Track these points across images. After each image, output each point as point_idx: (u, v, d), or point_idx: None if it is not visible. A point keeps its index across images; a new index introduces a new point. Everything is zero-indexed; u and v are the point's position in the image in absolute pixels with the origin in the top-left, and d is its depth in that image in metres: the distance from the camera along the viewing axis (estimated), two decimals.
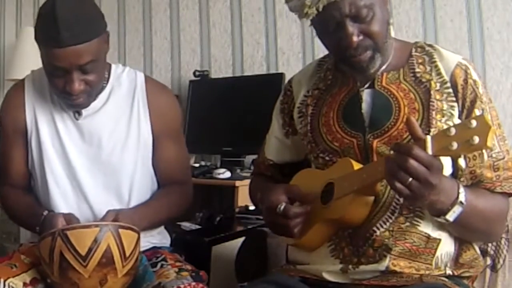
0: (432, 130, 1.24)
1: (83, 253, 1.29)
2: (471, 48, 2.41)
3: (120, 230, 1.34)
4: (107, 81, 1.60)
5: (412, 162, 1.06)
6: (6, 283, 1.36)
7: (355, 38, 1.23)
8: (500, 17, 2.36)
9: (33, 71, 1.65)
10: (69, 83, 1.43)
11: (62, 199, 1.56)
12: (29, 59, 3.34)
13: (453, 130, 1.04)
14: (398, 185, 1.09)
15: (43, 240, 1.34)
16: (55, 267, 1.31)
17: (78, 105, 1.52)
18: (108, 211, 1.46)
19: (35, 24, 1.44)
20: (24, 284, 1.40)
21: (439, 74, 1.30)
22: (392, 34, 1.39)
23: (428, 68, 1.32)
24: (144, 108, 1.61)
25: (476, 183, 1.26)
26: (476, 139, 1.00)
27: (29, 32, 3.50)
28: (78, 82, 1.43)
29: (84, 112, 1.56)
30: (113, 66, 1.63)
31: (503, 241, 1.41)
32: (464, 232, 1.27)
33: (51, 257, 1.31)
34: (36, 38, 1.45)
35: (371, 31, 1.25)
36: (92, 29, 1.42)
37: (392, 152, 1.13)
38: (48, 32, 1.38)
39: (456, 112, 1.28)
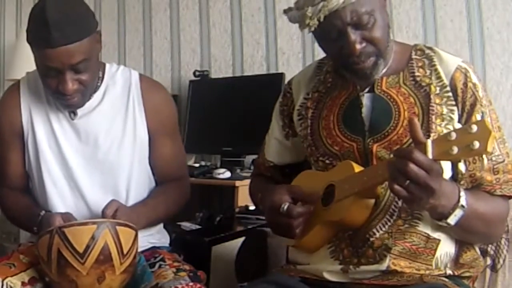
0: (431, 134, 1.24)
1: (80, 250, 1.29)
2: (471, 48, 2.41)
3: (118, 227, 1.34)
4: (102, 80, 1.60)
5: (412, 166, 1.06)
6: (5, 282, 1.36)
7: (358, 46, 1.23)
8: (500, 17, 2.36)
9: (28, 73, 1.65)
10: (62, 83, 1.43)
11: (59, 199, 1.56)
12: (29, 59, 3.30)
13: (453, 135, 1.04)
14: (399, 188, 1.08)
15: (40, 238, 1.34)
16: (53, 265, 1.31)
17: (73, 105, 1.52)
18: (112, 200, 1.47)
19: (27, 27, 1.45)
20: (23, 283, 1.40)
21: (438, 77, 1.30)
22: (391, 36, 1.39)
23: (428, 72, 1.31)
24: (139, 106, 1.61)
25: (476, 186, 1.26)
26: (477, 144, 1.00)
27: None
28: (71, 82, 1.43)
29: (80, 111, 1.56)
30: (107, 65, 1.64)
31: (503, 241, 1.40)
32: (465, 235, 1.27)
33: (49, 255, 1.31)
34: (28, 40, 1.45)
35: (373, 37, 1.24)
36: (83, 28, 1.42)
37: (392, 156, 1.13)
38: (39, 33, 1.39)
39: (455, 116, 1.27)
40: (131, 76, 1.63)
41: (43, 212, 1.50)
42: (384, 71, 1.32)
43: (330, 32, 1.25)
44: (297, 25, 1.29)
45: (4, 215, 1.68)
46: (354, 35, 1.22)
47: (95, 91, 1.57)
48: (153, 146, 1.63)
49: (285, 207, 1.29)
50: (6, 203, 1.64)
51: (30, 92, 1.59)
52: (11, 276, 1.39)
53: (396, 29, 2.53)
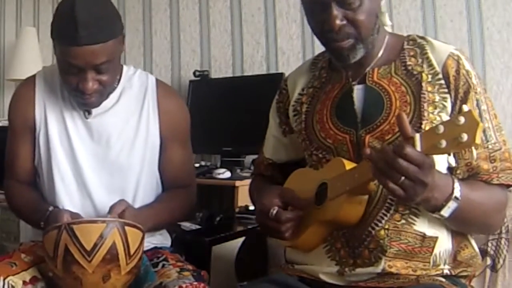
0: (424, 122, 1.24)
1: (88, 248, 1.29)
2: (471, 48, 2.41)
3: (126, 228, 1.33)
4: (119, 82, 1.61)
5: (402, 161, 1.05)
6: (6, 281, 1.36)
7: (337, 21, 1.23)
8: (500, 17, 2.36)
9: (44, 68, 1.66)
10: (82, 82, 1.44)
11: (67, 197, 1.56)
12: (29, 59, 3.35)
13: (441, 128, 1.02)
14: (391, 185, 1.07)
15: (48, 233, 1.34)
16: (59, 260, 1.31)
17: (90, 104, 1.53)
18: (121, 200, 1.48)
19: (52, 21, 1.45)
20: (24, 282, 1.39)
21: (430, 65, 1.29)
22: (389, 29, 1.39)
23: (420, 60, 1.31)
24: (153, 110, 1.62)
25: (472, 175, 1.25)
26: (465, 137, 0.98)
27: (29, 32, 3.51)
28: (92, 81, 1.44)
29: (94, 111, 1.57)
30: (125, 68, 1.64)
31: (503, 241, 1.41)
32: (462, 226, 1.26)
33: (56, 251, 1.31)
34: (52, 35, 1.45)
35: (355, 19, 1.24)
36: (110, 30, 1.43)
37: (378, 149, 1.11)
38: (66, 31, 1.39)
39: (449, 104, 1.26)
40: (147, 80, 1.65)
41: (51, 208, 1.50)
42: (375, 62, 1.33)
43: (316, 4, 1.26)
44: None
45: (10, 208, 1.69)
46: (336, 11, 1.23)
47: (111, 92, 1.58)
48: (164, 151, 1.64)
49: (274, 212, 1.29)
50: (13, 195, 1.64)
51: (46, 88, 1.60)
52: (13, 275, 1.39)
53: (396, 29, 2.51)
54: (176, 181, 1.68)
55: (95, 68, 1.43)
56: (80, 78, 1.44)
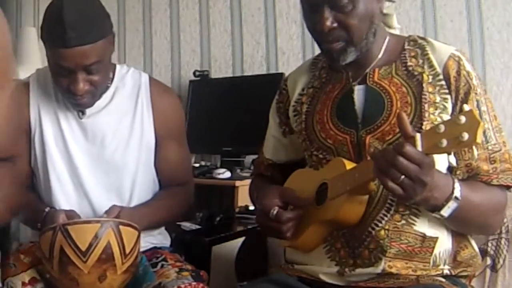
0: (424, 123, 1.24)
1: (83, 248, 1.29)
2: (471, 48, 2.41)
3: (121, 227, 1.34)
4: (112, 81, 1.61)
5: (402, 159, 1.05)
6: (5, 282, 1.36)
7: (327, 23, 1.23)
8: (500, 17, 2.36)
9: (38, 70, 1.66)
10: (73, 83, 1.44)
11: (64, 197, 1.57)
12: (29, 59, 3.35)
13: (442, 127, 1.02)
14: (390, 183, 1.07)
15: (43, 234, 1.34)
16: (55, 261, 1.31)
17: (82, 105, 1.53)
18: (113, 206, 1.48)
19: (41, 23, 1.45)
20: (23, 283, 1.40)
21: (431, 66, 1.29)
22: (398, 31, 1.41)
23: (421, 61, 1.31)
24: (147, 108, 1.62)
25: (472, 176, 1.25)
26: (466, 136, 0.98)
27: (29, 32, 3.51)
28: (82, 82, 1.44)
29: (88, 111, 1.57)
30: (118, 67, 1.65)
31: (503, 241, 1.40)
32: (462, 226, 1.26)
33: (51, 252, 1.31)
34: (42, 37, 1.46)
35: (347, 22, 1.24)
36: (99, 30, 1.43)
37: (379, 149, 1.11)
38: (55, 32, 1.39)
39: (449, 105, 1.26)
40: (141, 78, 1.65)
41: (47, 209, 1.50)
42: (375, 62, 1.33)
43: (311, 5, 1.27)
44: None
45: None
46: (327, 13, 1.23)
47: (104, 92, 1.58)
48: (159, 150, 1.64)
49: (275, 212, 1.29)
50: None
51: (39, 90, 1.60)
52: (12, 276, 1.39)
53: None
54: (173, 179, 1.68)
55: (85, 69, 1.43)
56: (71, 79, 1.44)
